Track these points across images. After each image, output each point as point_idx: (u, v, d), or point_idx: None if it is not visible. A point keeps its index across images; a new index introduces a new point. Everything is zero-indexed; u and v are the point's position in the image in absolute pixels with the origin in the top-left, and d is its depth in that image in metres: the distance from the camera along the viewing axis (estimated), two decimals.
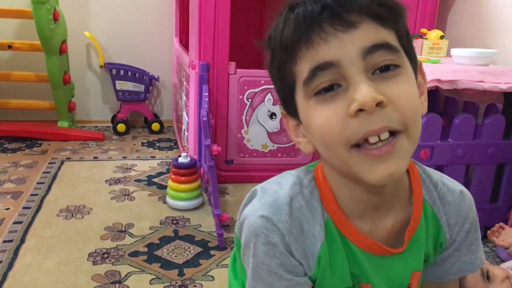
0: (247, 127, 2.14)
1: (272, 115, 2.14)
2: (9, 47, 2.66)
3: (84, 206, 1.88)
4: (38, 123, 2.92)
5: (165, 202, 1.93)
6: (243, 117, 2.13)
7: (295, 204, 0.65)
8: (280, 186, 0.67)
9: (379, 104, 0.53)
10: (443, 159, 1.53)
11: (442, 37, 1.91)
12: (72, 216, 1.79)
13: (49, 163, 2.37)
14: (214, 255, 1.55)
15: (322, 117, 0.56)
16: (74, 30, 2.90)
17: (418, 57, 1.72)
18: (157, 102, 3.26)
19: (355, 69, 0.54)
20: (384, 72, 0.55)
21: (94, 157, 2.50)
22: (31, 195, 1.97)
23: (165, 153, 2.64)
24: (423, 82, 0.64)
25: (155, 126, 3.02)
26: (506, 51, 1.83)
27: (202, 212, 1.87)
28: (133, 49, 3.08)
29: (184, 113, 2.34)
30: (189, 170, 1.86)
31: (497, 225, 1.47)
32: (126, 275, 1.41)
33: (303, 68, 0.57)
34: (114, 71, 2.94)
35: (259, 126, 2.15)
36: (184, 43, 2.80)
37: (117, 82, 2.94)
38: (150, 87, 3.04)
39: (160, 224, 1.75)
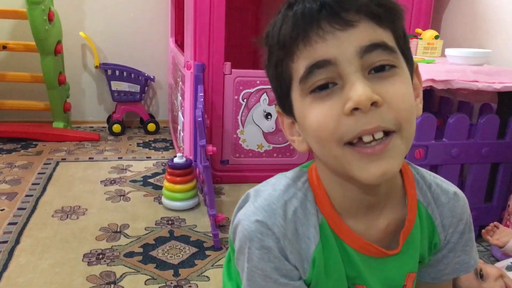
0: (243, 127, 2.14)
1: (267, 115, 2.14)
2: (4, 47, 2.66)
3: (79, 206, 1.87)
4: (33, 123, 2.91)
5: (160, 203, 1.92)
6: (239, 117, 2.13)
7: (290, 207, 0.64)
8: (274, 189, 0.67)
9: (374, 104, 0.53)
10: (438, 159, 1.53)
11: (436, 37, 1.91)
12: (67, 217, 1.78)
13: (44, 164, 2.36)
14: (210, 255, 1.55)
15: (317, 115, 0.56)
16: (69, 31, 2.90)
17: (413, 56, 1.72)
18: (153, 103, 3.25)
19: (351, 68, 0.54)
20: (380, 72, 0.55)
21: (90, 158, 2.49)
22: (26, 196, 1.96)
23: (160, 153, 2.64)
24: (419, 84, 0.64)
25: (151, 126, 3.02)
26: (501, 51, 1.84)
27: (198, 213, 1.87)
28: (128, 49, 3.07)
29: (180, 114, 2.34)
30: (184, 171, 1.86)
31: (491, 224, 1.48)
32: (121, 276, 1.41)
33: (300, 66, 0.57)
34: (109, 72, 2.93)
35: (255, 126, 2.15)
36: (180, 44, 2.80)
37: (112, 82, 2.93)
38: (146, 88, 3.04)
39: (155, 224, 1.75)
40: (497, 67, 1.65)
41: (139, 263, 1.48)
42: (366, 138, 0.55)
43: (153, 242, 1.61)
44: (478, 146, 1.57)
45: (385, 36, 0.56)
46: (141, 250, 1.56)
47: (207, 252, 1.57)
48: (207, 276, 1.43)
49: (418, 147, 1.50)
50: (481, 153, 1.57)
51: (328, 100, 0.56)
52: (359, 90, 0.53)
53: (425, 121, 1.49)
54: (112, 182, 2.15)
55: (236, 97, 2.10)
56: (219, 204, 1.96)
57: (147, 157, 2.55)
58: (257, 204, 0.65)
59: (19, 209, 1.84)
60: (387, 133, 0.55)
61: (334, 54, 0.54)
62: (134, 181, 2.18)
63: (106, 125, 3.09)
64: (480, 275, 1.18)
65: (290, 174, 0.69)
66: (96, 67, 2.99)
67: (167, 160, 2.39)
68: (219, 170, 2.18)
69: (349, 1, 0.54)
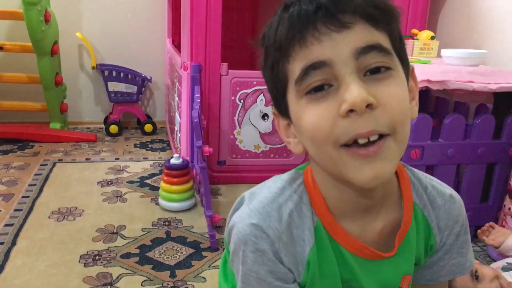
0: (240, 128, 2.15)
1: (264, 116, 2.14)
2: (0, 48, 2.65)
3: (76, 208, 1.87)
4: (30, 124, 2.91)
5: (157, 204, 1.92)
6: (236, 118, 2.13)
7: (285, 210, 0.64)
8: (269, 191, 0.67)
9: (369, 106, 0.53)
10: (434, 159, 1.54)
11: (432, 38, 1.92)
12: (63, 218, 1.78)
13: (41, 165, 2.36)
14: (206, 256, 1.55)
15: (312, 116, 0.56)
16: (66, 31, 2.90)
17: (409, 57, 1.72)
18: (150, 103, 3.25)
19: (347, 69, 0.54)
20: (376, 74, 0.55)
21: (86, 159, 2.49)
22: (23, 197, 1.96)
23: (157, 154, 2.63)
24: (414, 86, 0.64)
25: (148, 127, 3.02)
26: (496, 51, 1.84)
27: (195, 213, 1.87)
28: (125, 50, 3.07)
29: (177, 114, 2.34)
30: (181, 171, 1.86)
31: (487, 224, 1.48)
32: (117, 277, 1.41)
33: (295, 67, 0.57)
34: (106, 72, 2.93)
35: (252, 127, 2.15)
36: (177, 44, 2.80)
37: (109, 83, 2.93)
38: (143, 88, 3.04)
39: (152, 225, 1.75)
40: (492, 68, 1.65)
41: (135, 264, 1.48)
42: (362, 141, 0.55)
43: (150, 243, 1.61)
44: (474, 146, 1.57)
45: (381, 38, 0.56)
46: (137, 251, 1.56)
47: (204, 253, 1.57)
48: (203, 277, 1.43)
49: (414, 147, 1.50)
50: (477, 153, 1.58)
51: (323, 102, 0.56)
52: (354, 91, 0.53)
53: (421, 122, 1.49)
54: (109, 183, 2.15)
55: (233, 97, 2.10)
56: (216, 204, 1.96)
57: (144, 158, 2.55)
58: (252, 207, 0.65)
59: (15, 210, 1.83)
60: (381, 135, 0.56)
61: (329, 55, 0.54)
62: (131, 182, 2.18)
63: (103, 126, 3.09)
64: (476, 276, 1.18)
65: (285, 176, 0.69)
66: (93, 67, 2.99)
67: (164, 161, 2.38)
68: (216, 171, 2.18)
69: (345, 2, 0.54)
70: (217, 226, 1.73)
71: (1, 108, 2.80)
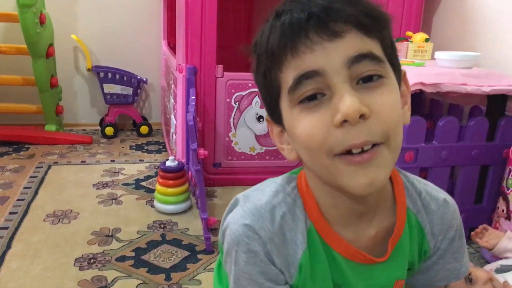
0: (235, 130, 2.15)
1: (259, 118, 2.15)
2: None
3: (71, 210, 1.87)
4: (25, 127, 2.90)
5: (152, 206, 1.92)
6: (231, 120, 2.13)
7: (278, 212, 0.65)
8: (263, 193, 0.67)
9: (362, 116, 0.54)
10: (428, 161, 1.54)
11: (427, 40, 1.92)
12: (59, 221, 1.78)
13: (36, 167, 2.36)
14: (202, 259, 1.55)
15: (306, 126, 0.57)
16: (61, 33, 2.89)
17: (403, 59, 1.72)
18: (146, 105, 3.25)
19: (339, 79, 0.54)
20: (368, 82, 0.56)
21: (82, 161, 2.49)
22: (18, 200, 1.96)
23: (153, 156, 2.63)
24: (406, 91, 0.64)
25: (144, 129, 3.02)
26: (490, 53, 1.85)
27: (190, 216, 1.87)
28: (121, 52, 3.07)
29: (172, 116, 2.34)
30: (176, 174, 1.86)
31: (480, 226, 1.49)
32: (112, 280, 1.41)
33: (288, 76, 0.57)
34: (102, 74, 2.93)
35: (247, 129, 2.16)
36: (172, 46, 2.79)
37: (105, 85, 2.93)
38: (138, 90, 3.03)
39: (147, 228, 1.75)
40: (486, 70, 1.66)
41: (130, 267, 1.48)
42: (355, 151, 0.55)
43: (145, 246, 1.62)
44: (468, 148, 1.58)
45: (373, 46, 0.56)
46: (133, 254, 1.56)
47: (199, 256, 1.57)
48: (198, 280, 1.43)
49: (408, 149, 1.51)
50: (471, 155, 1.59)
51: (316, 111, 0.56)
52: (347, 102, 0.53)
53: (415, 124, 1.50)
54: (105, 185, 2.15)
55: (228, 100, 2.10)
56: (211, 207, 1.96)
57: (139, 160, 2.55)
58: (245, 208, 0.66)
59: (10, 213, 1.83)
60: (374, 144, 0.56)
61: (322, 64, 0.54)
62: (126, 184, 2.18)
63: (98, 127, 3.08)
64: (469, 279, 1.19)
65: (279, 179, 0.70)
66: (89, 69, 2.99)
67: (159, 163, 2.39)
68: (211, 173, 2.18)
69: (337, 11, 0.54)
70: (212, 228, 1.73)
71: None
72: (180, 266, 1.50)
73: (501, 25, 1.83)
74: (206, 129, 2.11)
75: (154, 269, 1.48)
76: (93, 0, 2.98)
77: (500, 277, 1.27)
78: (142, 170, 2.37)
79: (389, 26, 0.59)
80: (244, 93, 2.10)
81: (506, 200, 1.53)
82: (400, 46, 1.93)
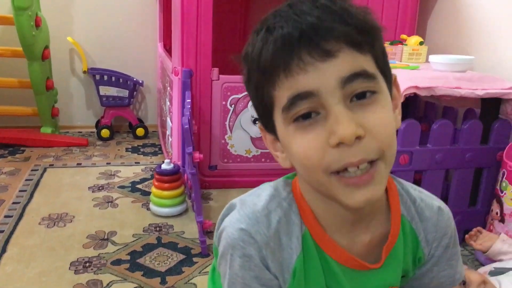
0: (231, 132, 2.15)
1: (255, 121, 2.15)
2: None
3: (67, 214, 1.87)
4: (21, 129, 2.89)
5: (148, 209, 1.92)
6: (227, 123, 2.14)
7: (274, 217, 0.65)
8: (259, 198, 0.67)
9: (357, 137, 0.54)
10: (422, 164, 1.55)
11: (421, 43, 1.93)
12: (54, 224, 1.78)
13: (32, 170, 2.35)
14: (197, 262, 1.56)
15: (301, 145, 0.57)
16: (57, 36, 2.88)
17: (398, 63, 1.72)
18: (142, 107, 3.25)
19: (334, 99, 0.55)
20: (361, 99, 0.56)
21: (78, 164, 2.48)
22: (13, 203, 1.95)
23: (149, 158, 2.63)
24: (397, 95, 0.65)
25: (140, 131, 3.01)
26: (484, 57, 1.86)
27: (186, 219, 1.87)
28: (116, 54, 3.07)
29: (168, 119, 2.34)
30: (172, 177, 1.87)
31: (474, 229, 1.50)
32: (108, 284, 1.41)
33: (282, 95, 0.57)
34: (97, 77, 2.92)
35: (243, 132, 2.16)
36: (168, 48, 2.79)
37: (100, 87, 2.92)
38: (134, 92, 3.03)
39: (143, 231, 1.75)
40: (480, 74, 1.67)
41: (126, 271, 1.48)
42: (351, 169, 0.56)
43: (141, 249, 1.62)
44: (462, 151, 1.59)
45: (366, 63, 0.56)
46: (128, 257, 1.56)
47: (195, 259, 1.57)
48: (194, 284, 1.44)
49: (403, 153, 1.52)
50: (465, 158, 1.60)
51: (311, 131, 0.56)
52: (343, 124, 0.54)
53: (410, 127, 1.51)
54: (100, 188, 2.15)
55: (224, 102, 2.11)
56: (207, 209, 1.96)
57: (135, 162, 2.55)
58: (242, 212, 0.66)
59: (5, 216, 1.83)
60: (371, 161, 0.56)
61: (316, 85, 0.54)
62: (122, 187, 2.18)
63: (94, 130, 3.08)
64: (463, 282, 1.20)
65: (275, 184, 0.70)
66: (84, 72, 2.98)
67: (155, 165, 2.39)
68: (207, 176, 2.18)
69: (326, 30, 0.54)
70: (207, 231, 1.73)
71: None
72: (175, 270, 1.50)
73: (495, 29, 1.84)
74: (202, 131, 2.12)
75: (149, 272, 1.48)
76: (89, 3, 2.97)
77: (494, 280, 1.28)
78: (138, 173, 2.37)
79: (381, 37, 0.59)
80: (239, 95, 2.10)
81: (500, 202, 1.54)
82: (394, 49, 1.94)
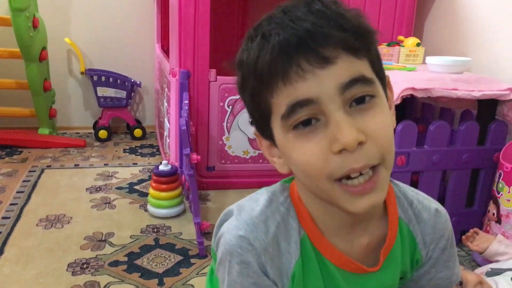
0: (228, 133, 2.15)
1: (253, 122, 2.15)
2: None
3: (64, 215, 1.87)
4: (18, 130, 2.89)
5: (146, 210, 1.92)
6: (224, 124, 2.14)
7: (272, 222, 0.65)
8: (257, 203, 0.67)
9: (359, 143, 0.54)
10: (419, 166, 1.56)
11: (418, 45, 1.94)
12: (52, 225, 1.78)
13: (29, 171, 2.35)
14: (195, 263, 1.56)
15: (303, 153, 0.57)
16: (55, 37, 2.88)
17: (395, 64, 1.73)
18: (139, 108, 3.25)
19: (334, 106, 0.54)
20: (361, 104, 0.56)
21: (75, 165, 2.48)
22: (11, 204, 1.95)
23: (147, 159, 2.63)
24: (391, 96, 0.65)
25: (137, 132, 3.01)
26: (481, 59, 1.87)
27: (183, 220, 1.88)
28: (114, 55, 3.07)
29: (166, 120, 2.34)
30: (169, 178, 1.87)
31: (471, 230, 1.50)
32: (105, 286, 1.41)
33: (280, 103, 0.56)
34: (95, 78, 2.92)
35: (240, 133, 2.16)
36: (166, 49, 2.80)
37: (98, 88, 2.92)
38: (132, 93, 3.03)
39: (140, 232, 1.75)
40: (476, 75, 1.68)
41: (123, 272, 1.48)
42: (354, 175, 0.56)
43: (138, 251, 1.62)
44: (459, 152, 1.59)
45: (363, 67, 0.56)
46: (126, 259, 1.56)
47: (192, 260, 1.57)
48: (191, 285, 1.44)
49: (400, 154, 1.52)
50: (462, 159, 1.60)
51: (312, 138, 0.56)
52: (345, 131, 0.54)
53: (407, 129, 1.51)
54: (98, 189, 2.15)
55: (221, 103, 2.11)
56: (205, 210, 1.96)
57: (133, 163, 2.55)
58: (240, 219, 0.66)
59: (3, 218, 1.83)
60: (372, 166, 0.57)
61: (316, 93, 0.54)
62: (119, 188, 2.18)
63: (92, 131, 3.08)
64: (460, 282, 1.20)
65: (272, 189, 0.70)
66: (82, 73, 2.98)
67: (153, 167, 2.39)
68: (205, 177, 2.18)
69: (325, 36, 0.53)
70: (205, 233, 1.73)
71: None
72: (173, 271, 1.50)
73: (492, 31, 1.85)
74: (200, 132, 2.12)
75: (147, 273, 1.48)
76: (87, 4, 2.98)
77: (491, 280, 1.28)
78: (136, 174, 2.37)
79: (376, 40, 0.59)
80: (237, 97, 2.11)
81: (497, 203, 1.54)
82: (392, 51, 1.94)
